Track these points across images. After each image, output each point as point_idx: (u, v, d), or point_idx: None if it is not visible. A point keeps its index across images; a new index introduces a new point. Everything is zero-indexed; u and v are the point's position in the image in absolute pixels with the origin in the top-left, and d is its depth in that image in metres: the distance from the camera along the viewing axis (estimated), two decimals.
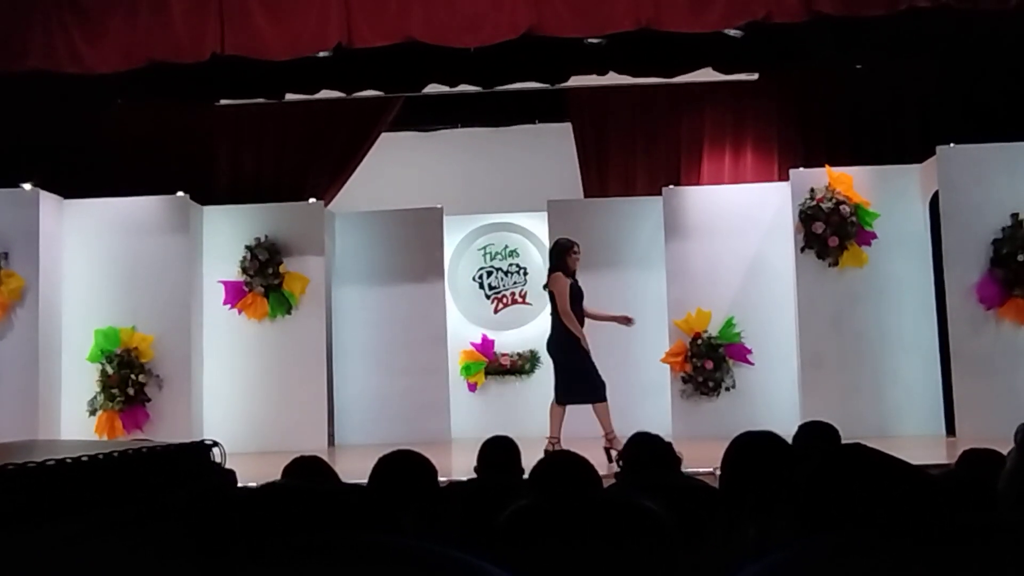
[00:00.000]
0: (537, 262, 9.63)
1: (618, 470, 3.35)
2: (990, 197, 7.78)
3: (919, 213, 8.28)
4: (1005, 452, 1.90)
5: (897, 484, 1.37)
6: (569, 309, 6.71)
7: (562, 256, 6.90)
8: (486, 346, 9.57)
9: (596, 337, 8.71)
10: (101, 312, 8.30)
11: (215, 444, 1.69)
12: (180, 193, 8.60)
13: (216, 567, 1.16)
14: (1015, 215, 7.74)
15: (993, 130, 7.95)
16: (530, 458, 2.92)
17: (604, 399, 6.72)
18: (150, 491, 1.50)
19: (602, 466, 3.14)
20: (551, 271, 6.92)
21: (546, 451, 6.29)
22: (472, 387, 9.52)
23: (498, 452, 3.63)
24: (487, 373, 9.54)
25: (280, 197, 9.03)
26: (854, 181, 8.27)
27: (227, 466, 2.01)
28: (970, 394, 7.61)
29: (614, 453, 6.33)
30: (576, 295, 6.82)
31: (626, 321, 7.06)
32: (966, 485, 2.37)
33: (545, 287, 6.98)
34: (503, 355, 9.53)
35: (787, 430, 3.49)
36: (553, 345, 6.89)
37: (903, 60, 8.42)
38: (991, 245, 7.75)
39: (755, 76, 8.95)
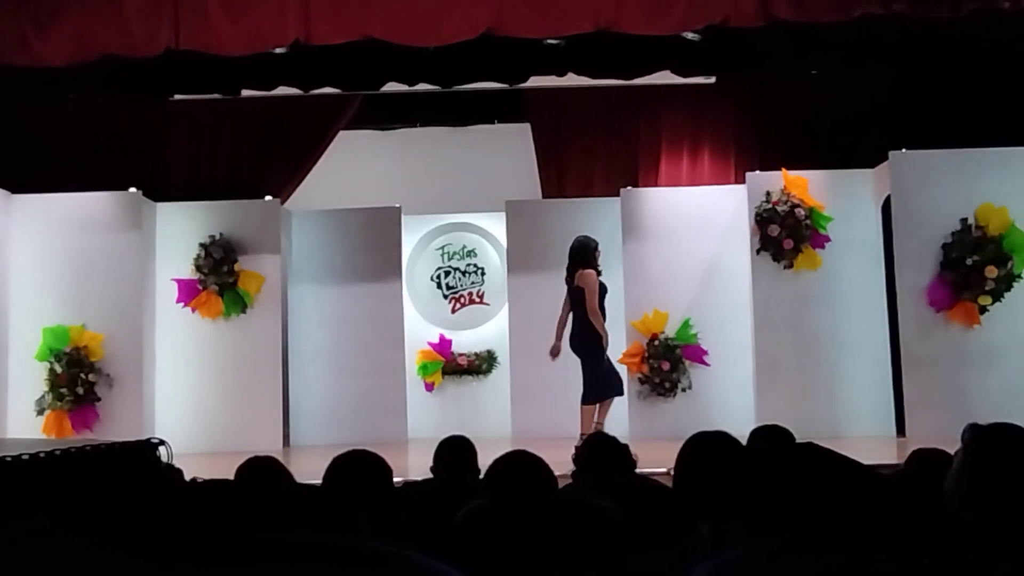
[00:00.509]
0: (495, 262, 9.64)
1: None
2: (940, 202, 7.93)
3: (872, 217, 8.42)
4: (953, 452, 1.93)
5: (848, 483, 1.39)
6: (598, 307, 6.65)
7: (591, 253, 6.82)
8: (443, 346, 9.55)
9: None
10: (50, 310, 8.13)
11: (162, 442, 1.66)
12: (132, 189, 8.47)
13: (163, 566, 1.13)
14: (964, 220, 7.90)
15: (944, 137, 8.11)
16: (487, 458, 2.92)
17: (610, 398, 6.77)
18: (95, 490, 1.47)
19: (561, 464, 3.14)
20: (580, 267, 6.77)
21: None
22: (429, 387, 9.49)
23: (454, 452, 3.62)
24: (444, 373, 9.52)
25: (235, 194, 8.92)
26: (809, 185, 8.38)
27: (176, 465, 1.97)
28: (920, 395, 7.75)
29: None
30: (602, 292, 6.77)
31: (553, 351, 6.91)
32: (915, 484, 2.41)
33: (571, 284, 6.81)
34: (460, 355, 9.52)
35: (742, 430, 3.52)
36: (578, 342, 6.78)
37: (858, 66, 8.55)
38: (941, 249, 7.90)
39: (712, 80, 9.04)
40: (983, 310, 7.83)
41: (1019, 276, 7.79)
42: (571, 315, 6.81)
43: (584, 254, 6.81)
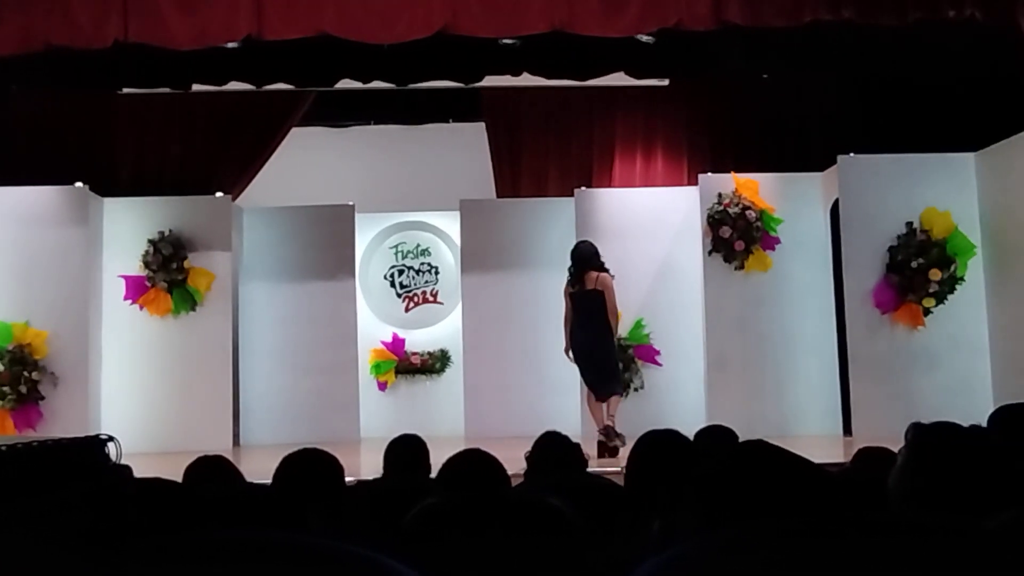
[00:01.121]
0: (449, 261, 9.62)
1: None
2: (887, 206, 8.09)
3: (820, 220, 8.56)
4: (897, 450, 1.97)
5: (795, 480, 1.41)
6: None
7: (598, 256, 7.00)
8: (396, 345, 9.51)
9: (508, 338, 8.78)
10: None
11: (110, 439, 1.62)
12: (79, 184, 8.30)
13: (112, 564, 1.12)
14: (910, 223, 8.07)
15: (891, 142, 8.27)
16: (440, 457, 2.91)
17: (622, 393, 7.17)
18: (42, 487, 1.44)
19: (514, 463, 3.15)
20: (591, 271, 6.92)
21: (600, 443, 6.72)
22: (382, 386, 9.44)
23: (405, 451, 3.61)
24: (397, 372, 9.48)
25: (185, 190, 8.78)
26: (760, 187, 8.50)
27: (124, 463, 1.94)
28: (866, 395, 7.90)
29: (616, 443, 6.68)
30: None
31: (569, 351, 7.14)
32: (860, 482, 2.46)
33: (582, 288, 6.92)
34: (413, 354, 9.49)
35: (693, 429, 3.56)
36: (599, 342, 6.91)
37: (808, 71, 8.69)
38: (887, 252, 8.06)
39: (666, 82, 9.12)
40: (927, 312, 8.00)
41: (962, 279, 7.98)
42: (579, 318, 6.91)
43: (593, 259, 6.98)
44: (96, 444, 1.61)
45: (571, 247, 8.63)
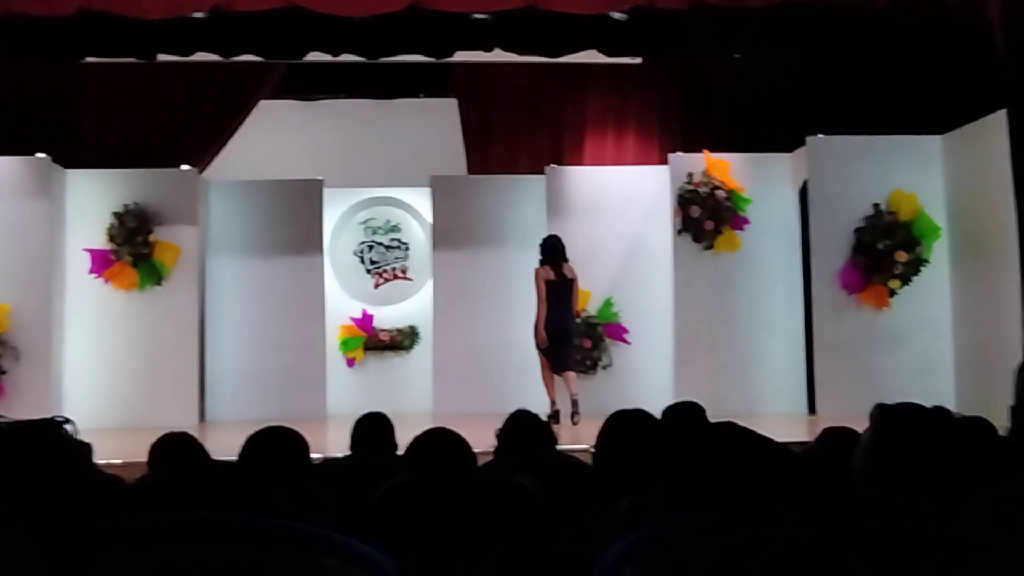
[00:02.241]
0: (419, 237, 9.57)
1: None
2: (855, 187, 8.15)
3: (790, 200, 8.61)
4: (861, 430, 1.99)
5: (762, 460, 1.42)
6: None
7: (565, 248, 7.71)
8: (365, 321, 9.47)
9: (478, 316, 8.77)
10: None
11: (67, 421, 1.59)
12: (41, 155, 8.14)
13: (73, 548, 1.10)
14: (876, 205, 8.13)
15: (860, 123, 8.32)
16: (407, 435, 2.90)
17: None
18: None
19: (483, 441, 3.15)
20: (565, 261, 7.67)
21: (555, 414, 7.43)
22: (350, 362, 9.40)
23: (371, 429, 3.60)
24: (366, 348, 9.44)
25: (151, 163, 8.65)
26: (730, 167, 8.52)
27: (85, 440, 1.91)
28: (831, 375, 7.99)
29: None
30: None
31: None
32: (824, 461, 2.49)
33: (564, 276, 7.61)
34: (382, 330, 9.45)
35: (660, 408, 3.58)
36: (572, 323, 7.76)
37: (778, 52, 8.70)
38: (854, 233, 8.12)
39: (638, 60, 9.10)
40: (892, 293, 8.09)
41: (927, 261, 8.07)
42: (557, 302, 7.53)
43: (564, 250, 7.70)
44: (53, 426, 1.58)
45: (543, 226, 8.69)
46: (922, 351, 8.01)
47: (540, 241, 7.84)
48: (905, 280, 8.07)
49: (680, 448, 1.39)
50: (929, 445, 1.82)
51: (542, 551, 1.89)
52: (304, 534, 1.06)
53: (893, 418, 1.88)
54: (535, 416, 3.46)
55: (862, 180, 8.15)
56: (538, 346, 7.61)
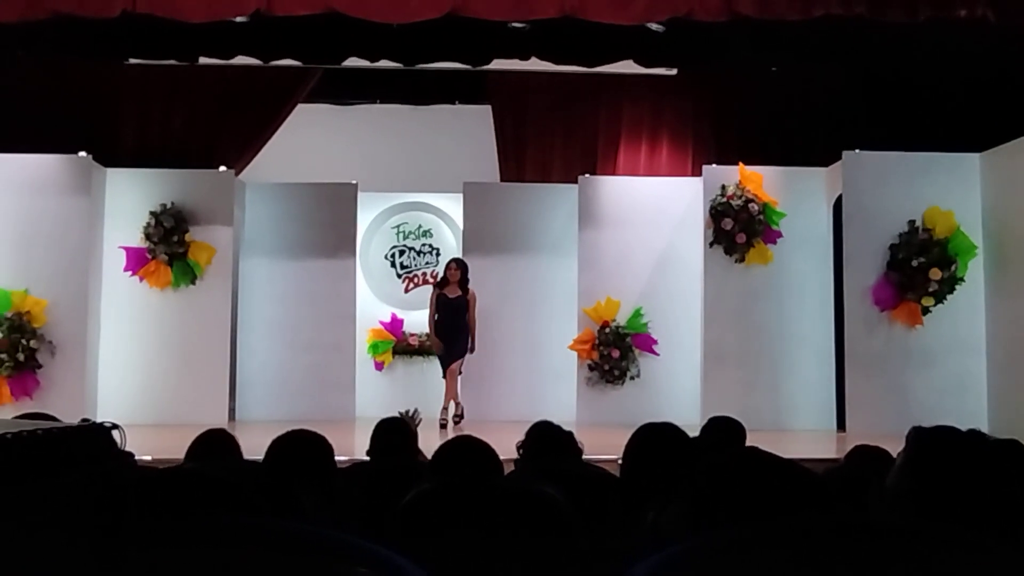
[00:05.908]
0: (451, 243, 9.61)
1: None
2: (890, 203, 8.07)
3: (823, 215, 8.55)
4: (892, 448, 1.98)
5: (787, 485, 1.42)
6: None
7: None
8: (395, 325, 9.51)
9: (506, 323, 8.80)
10: None
11: (115, 427, 1.61)
12: (82, 153, 8.28)
13: (110, 548, 1.12)
14: (912, 222, 8.05)
15: (896, 139, 8.25)
16: (431, 440, 2.92)
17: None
18: (45, 474, 1.43)
19: (507, 451, 3.15)
20: (467, 284, 8.21)
21: (446, 421, 8.01)
22: (379, 366, 9.45)
23: (390, 434, 3.61)
24: (394, 352, 9.49)
25: (189, 163, 8.77)
26: (763, 180, 8.47)
27: (127, 449, 1.93)
28: (861, 392, 7.91)
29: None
30: None
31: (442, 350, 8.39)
32: (853, 480, 2.47)
33: (463, 295, 8.16)
34: (411, 335, 9.49)
35: (688, 420, 3.58)
36: (466, 341, 8.24)
37: (816, 66, 8.66)
38: (888, 249, 8.05)
39: (674, 72, 9.09)
40: (926, 311, 8.00)
41: (962, 279, 7.97)
42: (452, 318, 8.13)
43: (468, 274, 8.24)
44: (101, 431, 1.61)
45: (574, 235, 8.69)
46: (955, 370, 7.91)
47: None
48: (939, 298, 7.98)
49: (706, 470, 1.39)
50: (963, 469, 1.80)
51: (567, 562, 1.89)
52: (337, 541, 1.07)
53: (928, 441, 1.87)
54: (558, 427, 3.46)
55: (898, 196, 8.08)
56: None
